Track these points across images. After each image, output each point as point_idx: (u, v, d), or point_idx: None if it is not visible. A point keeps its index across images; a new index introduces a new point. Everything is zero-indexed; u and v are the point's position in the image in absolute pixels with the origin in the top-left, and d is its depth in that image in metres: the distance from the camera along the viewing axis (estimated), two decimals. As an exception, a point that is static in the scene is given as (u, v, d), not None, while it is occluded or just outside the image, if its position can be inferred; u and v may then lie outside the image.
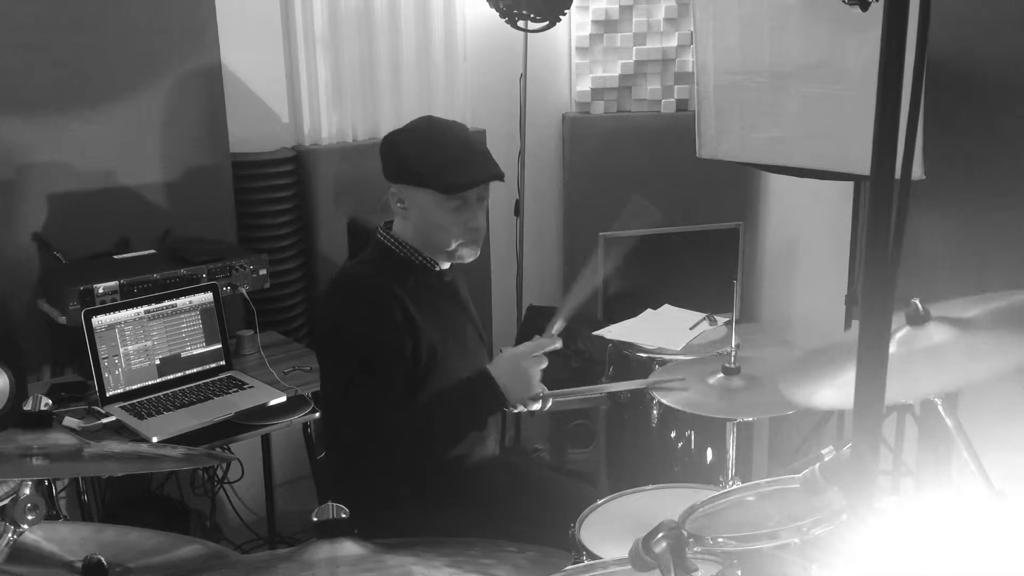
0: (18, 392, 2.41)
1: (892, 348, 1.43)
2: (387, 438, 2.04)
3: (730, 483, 2.23)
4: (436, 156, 2.09)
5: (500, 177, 2.14)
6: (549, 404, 2.20)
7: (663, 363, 2.95)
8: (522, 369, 2.08)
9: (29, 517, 1.40)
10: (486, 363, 2.34)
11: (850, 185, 3.26)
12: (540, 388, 2.13)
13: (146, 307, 2.74)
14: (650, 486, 2.17)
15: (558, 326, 2.13)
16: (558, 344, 2.11)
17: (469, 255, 2.18)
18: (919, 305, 1.69)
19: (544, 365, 2.11)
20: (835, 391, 1.68)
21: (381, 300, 2.07)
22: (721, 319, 3.27)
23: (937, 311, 1.71)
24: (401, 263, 2.17)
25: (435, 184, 2.08)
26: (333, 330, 2.15)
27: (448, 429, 2.11)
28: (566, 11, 3.40)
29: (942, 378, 1.60)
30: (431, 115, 2.25)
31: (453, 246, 2.14)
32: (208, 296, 2.86)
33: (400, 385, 2.07)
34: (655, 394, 2.23)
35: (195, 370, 2.82)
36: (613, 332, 3.27)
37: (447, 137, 2.14)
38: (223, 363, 2.88)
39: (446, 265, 2.22)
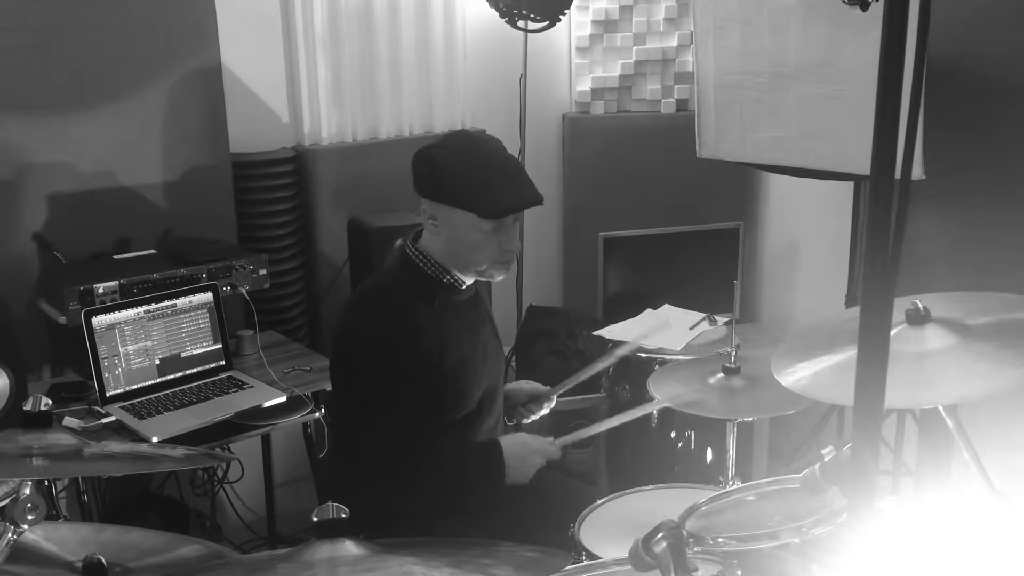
0: (18, 392, 2.41)
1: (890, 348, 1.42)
2: (390, 470, 2.04)
3: (730, 483, 2.23)
4: (476, 179, 2.04)
5: (540, 201, 2.11)
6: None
7: (663, 363, 2.95)
8: (529, 460, 2.12)
9: (29, 517, 1.40)
10: (502, 368, 2.35)
11: (850, 185, 3.26)
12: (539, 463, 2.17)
13: (146, 307, 2.74)
14: (650, 486, 2.18)
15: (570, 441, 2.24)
16: (558, 455, 2.19)
17: (499, 275, 2.15)
18: (920, 305, 1.69)
19: (543, 463, 2.16)
20: (824, 377, 1.69)
21: (406, 329, 2.05)
22: (721, 319, 3.27)
23: (938, 310, 1.71)
24: (428, 281, 2.13)
25: (476, 208, 2.02)
26: (352, 352, 2.13)
27: (443, 485, 2.10)
28: (566, 11, 3.40)
29: (939, 390, 1.60)
30: (466, 130, 2.23)
31: (485, 267, 2.10)
32: (208, 296, 2.86)
33: (413, 413, 2.06)
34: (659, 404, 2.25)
35: (195, 370, 2.82)
36: (613, 332, 3.27)
37: (487, 157, 2.09)
38: (223, 363, 2.88)
39: (470, 280, 2.19)
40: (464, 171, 2.05)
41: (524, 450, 2.14)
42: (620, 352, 2.44)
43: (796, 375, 1.76)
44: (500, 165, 2.10)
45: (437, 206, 2.07)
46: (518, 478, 2.11)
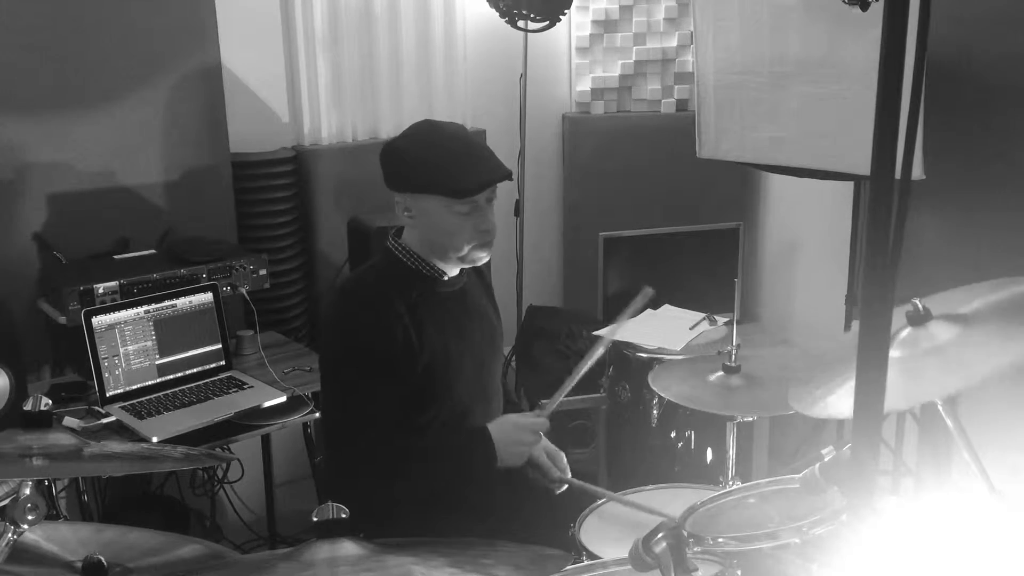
0: (18, 392, 2.41)
1: (894, 352, 1.43)
2: (380, 463, 2.04)
3: (730, 483, 2.23)
4: (442, 161, 2.05)
5: (509, 176, 2.11)
6: (565, 488, 2.21)
7: (663, 363, 2.95)
8: (520, 440, 2.11)
9: (29, 517, 1.40)
10: (499, 367, 2.34)
11: (850, 185, 3.26)
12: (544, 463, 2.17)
13: (146, 307, 2.74)
14: (650, 486, 2.18)
15: (553, 406, 2.20)
16: (547, 426, 2.17)
17: (481, 257, 2.15)
18: (920, 305, 1.69)
19: (539, 443, 2.16)
20: (846, 398, 1.68)
21: (382, 318, 2.05)
22: (721, 319, 3.27)
23: (936, 307, 1.71)
24: (408, 273, 2.14)
25: (444, 190, 2.03)
26: (333, 342, 2.14)
27: (436, 475, 2.09)
28: (566, 11, 3.40)
29: (945, 380, 1.60)
30: (429, 119, 2.23)
31: (465, 251, 2.10)
32: (208, 296, 2.86)
33: (394, 405, 2.06)
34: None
35: (195, 370, 2.82)
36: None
37: (450, 140, 2.11)
38: (223, 363, 2.88)
39: (455, 272, 2.19)
40: (429, 156, 2.06)
41: (513, 430, 2.12)
42: (600, 347, 2.33)
43: (817, 404, 1.74)
44: (464, 146, 2.11)
45: (409, 197, 2.09)
46: (512, 460, 2.10)
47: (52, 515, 2.51)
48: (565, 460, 2.24)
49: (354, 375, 2.05)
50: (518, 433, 2.12)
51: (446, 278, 2.17)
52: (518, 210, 3.90)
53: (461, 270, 2.21)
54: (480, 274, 2.35)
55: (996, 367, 1.51)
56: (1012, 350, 1.52)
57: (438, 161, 2.06)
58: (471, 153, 2.11)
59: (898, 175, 0.89)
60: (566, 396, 2.21)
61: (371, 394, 2.04)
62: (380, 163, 2.12)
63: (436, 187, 2.04)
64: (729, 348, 2.24)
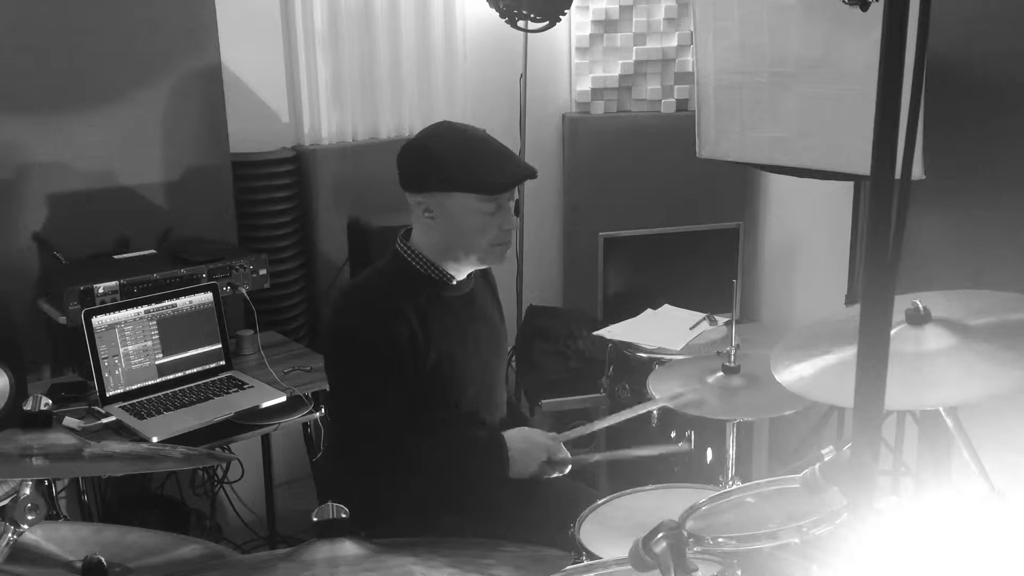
0: (18, 392, 2.41)
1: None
2: (386, 462, 2.04)
3: (730, 483, 2.23)
4: (472, 159, 2.06)
5: (535, 174, 2.14)
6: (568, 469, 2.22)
7: (663, 363, 2.95)
8: (532, 455, 2.13)
9: (29, 517, 1.40)
10: (503, 371, 2.34)
11: (850, 185, 3.26)
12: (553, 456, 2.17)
13: (146, 307, 2.74)
14: (650, 486, 2.18)
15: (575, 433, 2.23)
16: (566, 457, 2.19)
17: (500, 258, 2.15)
18: (920, 305, 1.69)
19: (546, 457, 2.16)
20: (828, 378, 1.69)
21: (386, 319, 2.05)
22: (721, 319, 3.27)
23: (938, 310, 1.71)
24: (416, 277, 2.13)
25: (476, 187, 2.03)
26: (338, 344, 2.14)
27: (446, 476, 2.10)
28: (566, 11, 3.40)
29: (940, 392, 1.60)
30: (447, 120, 2.23)
31: (486, 251, 2.11)
32: (208, 296, 2.86)
33: (399, 407, 2.06)
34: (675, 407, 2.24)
35: (195, 370, 2.82)
36: (613, 332, 3.27)
37: (476, 140, 2.12)
38: (223, 363, 2.88)
39: (462, 276, 2.19)
40: (460, 154, 2.06)
41: (527, 444, 2.14)
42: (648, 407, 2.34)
43: (796, 374, 1.76)
44: (491, 145, 2.13)
45: (433, 196, 2.07)
46: (521, 470, 2.12)
47: (52, 515, 2.51)
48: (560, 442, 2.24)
49: (359, 377, 2.05)
50: (532, 448, 2.14)
51: (454, 282, 2.17)
52: (518, 210, 3.87)
53: (468, 275, 2.20)
54: (488, 279, 2.35)
55: (991, 390, 1.52)
56: (1010, 375, 1.53)
57: (469, 159, 2.06)
58: (499, 152, 2.12)
59: (898, 175, 0.89)
60: (570, 402, 2.22)
61: (376, 396, 2.04)
62: (398, 164, 2.11)
63: (467, 184, 2.04)
64: (728, 348, 2.24)
